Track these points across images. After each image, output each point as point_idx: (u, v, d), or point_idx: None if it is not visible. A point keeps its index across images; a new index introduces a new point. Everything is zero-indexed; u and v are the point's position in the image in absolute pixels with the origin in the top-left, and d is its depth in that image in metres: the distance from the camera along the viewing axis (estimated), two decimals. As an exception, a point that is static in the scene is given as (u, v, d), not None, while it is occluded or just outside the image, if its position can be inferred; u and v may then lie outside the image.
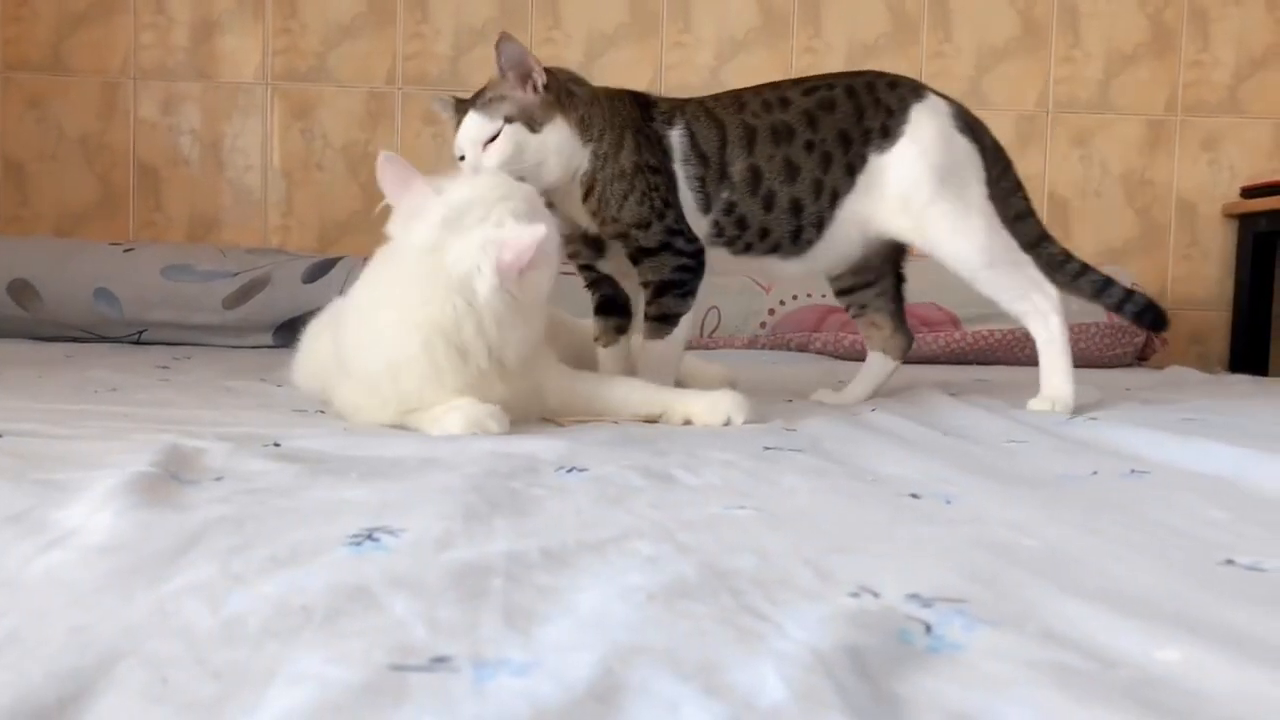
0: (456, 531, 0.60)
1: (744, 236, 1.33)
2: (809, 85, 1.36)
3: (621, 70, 2.58)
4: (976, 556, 0.58)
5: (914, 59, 2.63)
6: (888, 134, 1.32)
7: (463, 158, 1.25)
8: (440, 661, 0.41)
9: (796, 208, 1.32)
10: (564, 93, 1.27)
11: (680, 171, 1.31)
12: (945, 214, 1.30)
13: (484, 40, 2.56)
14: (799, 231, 1.33)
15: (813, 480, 0.82)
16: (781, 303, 2.31)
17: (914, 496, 0.76)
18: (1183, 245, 2.69)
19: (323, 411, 1.19)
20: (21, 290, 2.19)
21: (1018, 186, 1.40)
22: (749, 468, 0.86)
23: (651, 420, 1.15)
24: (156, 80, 2.59)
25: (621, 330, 1.36)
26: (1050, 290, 1.33)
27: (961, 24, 2.64)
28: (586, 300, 1.39)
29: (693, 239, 1.31)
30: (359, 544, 0.57)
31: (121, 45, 2.58)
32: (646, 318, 1.31)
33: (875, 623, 0.46)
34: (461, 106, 1.27)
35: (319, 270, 2.25)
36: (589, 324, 1.38)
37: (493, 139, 1.22)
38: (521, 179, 1.18)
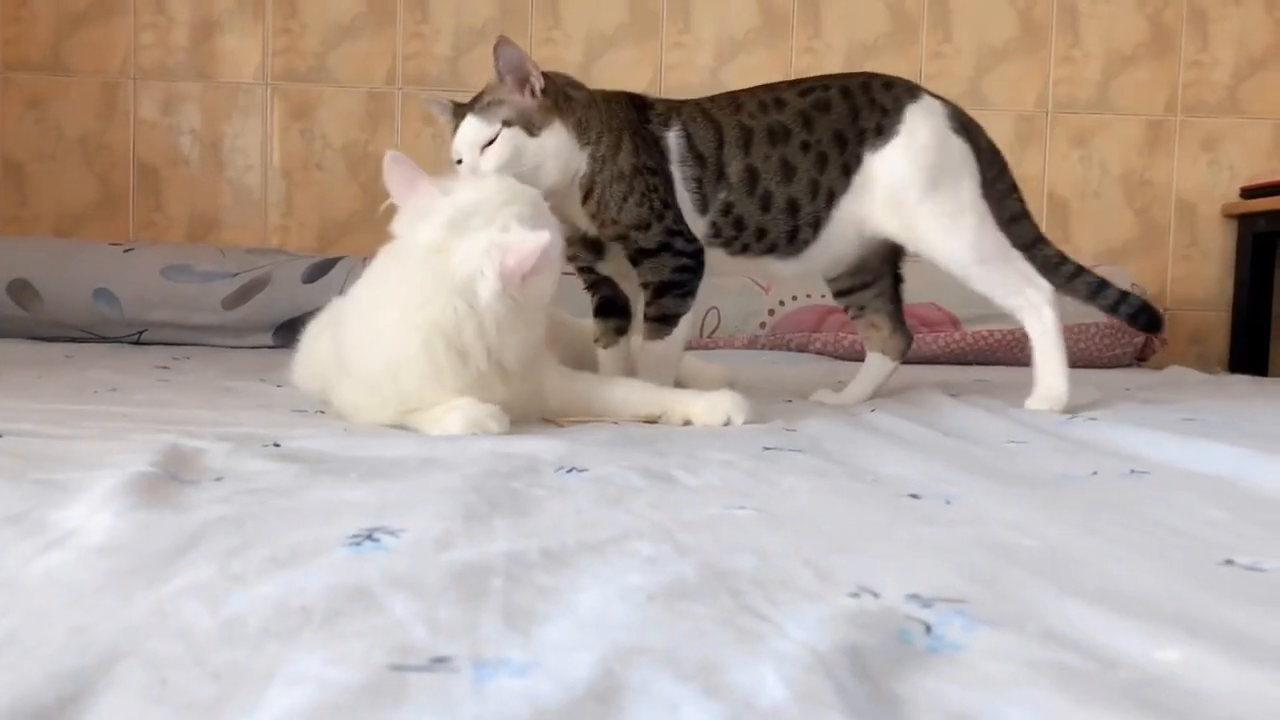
0: (456, 532, 0.60)
1: (741, 237, 1.34)
2: (804, 86, 1.37)
3: (621, 71, 2.58)
4: (976, 557, 0.58)
5: (913, 59, 2.63)
6: (882, 132, 1.32)
7: (460, 161, 1.25)
8: (440, 662, 0.41)
9: (793, 208, 1.32)
10: (562, 97, 1.27)
11: (677, 173, 1.31)
12: (937, 213, 1.31)
13: (484, 41, 2.55)
14: (795, 232, 1.34)
15: (813, 480, 0.82)
16: (781, 303, 2.31)
17: (914, 497, 0.76)
18: (1182, 246, 2.69)
19: (323, 412, 1.19)
20: (21, 290, 2.19)
21: (1013, 188, 1.40)
22: (749, 468, 0.86)
23: (651, 421, 1.15)
24: (156, 80, 2.59)
25: (622, 332, 1.36)
26: (1043, 284, 1.34)
27: (961, 24, 2.64)
28: (586, 301, 1.39)
29: (692, 239, 1.31)
30: (359, 544, 0.57)
31: (121, 45, 2.58)
32: (646, 318, 1.31)
33: (875, 623, 0.46)
34: (459, 111, 1.27)
35: (319, 270, 2.25)
36: (589, 324, 1.38)
37: (490, 142, 1.22)
38: None
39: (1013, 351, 2.19)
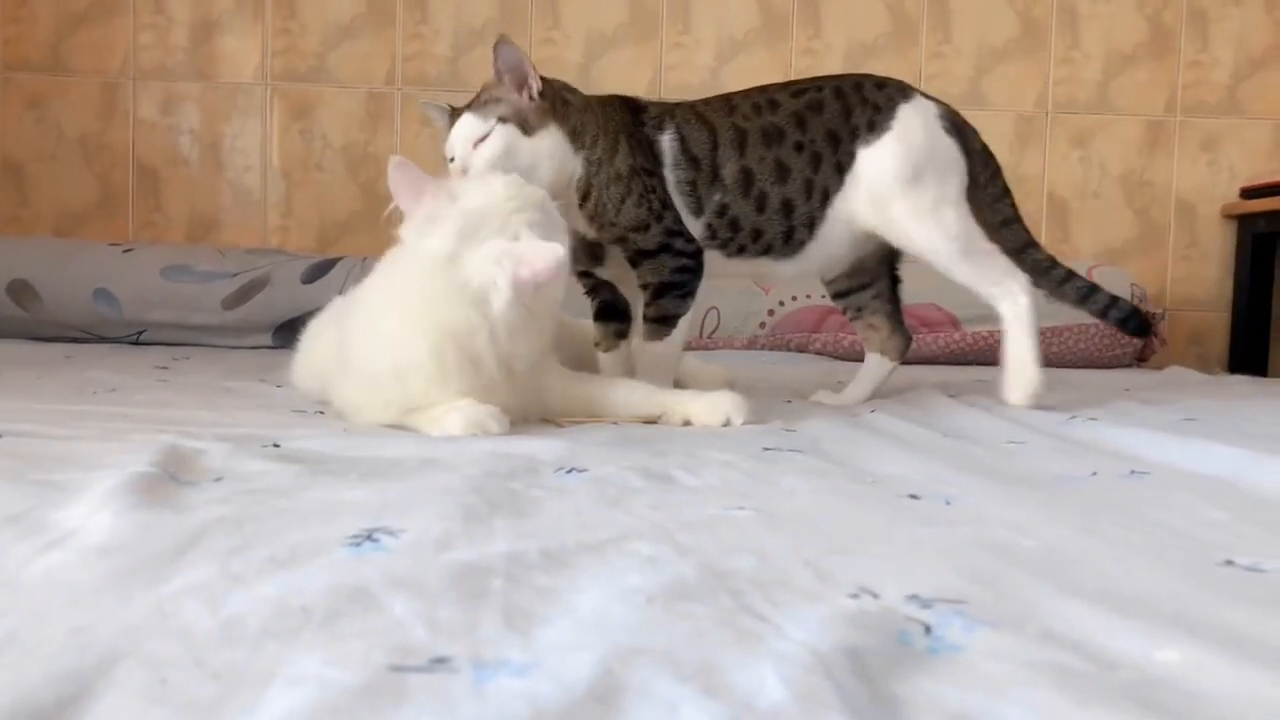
0: (456, 532, 0.60)
1: (737, 238, 1.34)
2: (798, 88, 1.37)
3: (621, 71, 2.58)
4: (976, 557, 0.58)
5: (913, 60, 2.63)
6: (874, 128, 1.33)
7: (453, 159, 1.25)
8: (440, 662, 0.41)
9: (788, 208, 1.33)
10: (559, 100, 1.28)
11: (671, 175, 1.31)
12: (919, 205, 1.31)
13: (483, 41, 2.55)
14: (791, 232, 1.34)
15: (812, 481, 0.82)
16: (781, 303, 2.31)
17: (913, 497, 0.76)
18: (1182, 246, 2.69)
19: (322, 412, 1.19)
20: (21, 291, 2.19)
21: (1005, 192, 1.40)
22: (748, 469, 0.86)
23: (651, 421, 1.15)
24: (156, 80, 2.59)
25: (622, 335, 1.37)
26: (1021, 277, 1.35)
27: (961, 25, 2.64)
28: (585, 301, 1.39)
29: (691, 240, 1.31)
30: (358, 545, 0.57)
31: (121, 45, 2.58)
32: (645, 319, 1.32)
33: (875, 624, 0.46)
34: (455, 113, 1.28)
35: (318, 271, 2.25)
36: (589, 325, 1.39)
37: (484, 138, 1.22)
38: None
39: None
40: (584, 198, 1.28)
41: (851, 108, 1.34)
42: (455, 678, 0.40)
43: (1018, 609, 0.49)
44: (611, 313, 1.37)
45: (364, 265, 2.18)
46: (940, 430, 1.13)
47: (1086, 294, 1.38)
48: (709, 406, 1.14)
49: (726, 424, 1.13)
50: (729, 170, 1.31)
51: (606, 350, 1.36)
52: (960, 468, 0.89)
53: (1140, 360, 2.37)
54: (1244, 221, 2.62)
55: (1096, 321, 2.18)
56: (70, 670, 0.39)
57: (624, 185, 1.27)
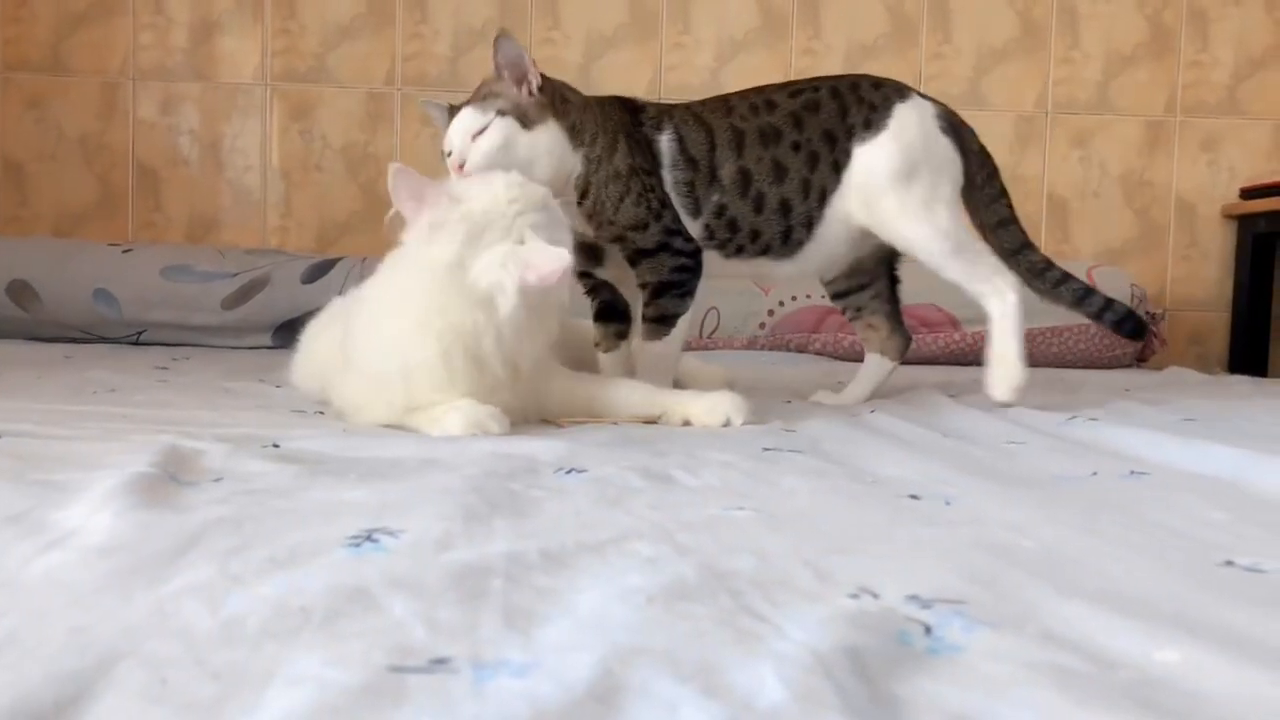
0: (456, 533, 0.60)
1: (735, 239, 1.34)
2: (795, 88, 1.37)
3: (621, 71, 2.58)
4: (976, 558, 0.58)
5: (913, 60, 2.63)
6: (870, 126, 1.33)
7: (449, 153, 1.25)
8: (439, 663, 0.41)
9: (786, 208, 1.33)
10: (558, 97, 1.28)
11: (669, 176, 1.31)
12: (911, 202, 1.31)
13: (483, 41, 2.55)
14: (789, 232, 1.34)
15: (812, 481, 0.82)
16: (781, 304, 2.31)
17: (913, 498, 0.76)
18: (1182, 246, 2.69)
19: (322, 412, 1.19)
20: (21, 291, 2.19)
21: (1002, 193, 1.40)
22: (748, 469, 0.86)
23: (651, 421, 1.15)
24: (156, 81, 2.59)
25: (622, 336, 1.37)
26: (1010, 276, 1.35)
27: (961, 25, 2.64)
28: (585, 302, 1.39)
29: (690, 239, 1.31)
30: (358, 545, 0.57)
31: (121, 46, 2.58)
32: (645, 319, 1.32)
33: (875, 624, 0.46)
34: (454, 110, 1.28)
35: (318, 271, 2.25)
36: (589, 325, 1.39)
37: (483, 131, 1.22)
38: None
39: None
40: (583, 195, 1.28)
41: (848, 107, 1.34)
42: (455, 678, 0.40)
43: (1018, 609, 0.49)
44: (611, 313, 1.37)
45: (364, 266, 2.18)
46: (940, 430, 1.13)
47: (1082, 296, 1.38)
48: (709, 407, 1.14)
49: (726, 424, 1.13)
50: (727, 171, 1.32)
51: (606, 350, 1.36)
52: (960, 468, 0.89)
53: (1140, 361, 2.37)
54: (1244, 222, 2.62)
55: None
56: (70, 670, 0.39)
57: (623, 184, 1.27)
